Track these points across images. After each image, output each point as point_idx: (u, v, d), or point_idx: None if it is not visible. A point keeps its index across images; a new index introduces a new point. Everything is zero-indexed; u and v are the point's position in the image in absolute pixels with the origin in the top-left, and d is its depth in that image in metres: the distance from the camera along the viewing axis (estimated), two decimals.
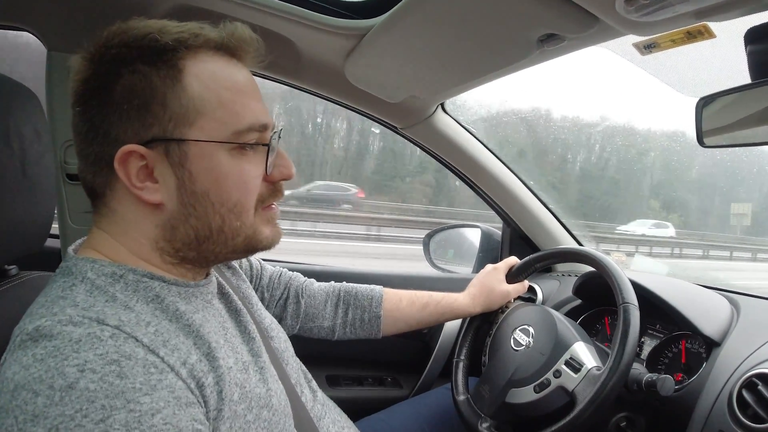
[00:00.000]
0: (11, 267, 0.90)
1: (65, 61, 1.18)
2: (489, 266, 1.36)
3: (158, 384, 0.56)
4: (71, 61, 0.68)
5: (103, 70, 0.66)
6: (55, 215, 1.24)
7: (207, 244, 0.71)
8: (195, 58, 0.68)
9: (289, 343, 0.96)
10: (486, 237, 1.98)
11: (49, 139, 0.86)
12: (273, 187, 0.76)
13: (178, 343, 0.63)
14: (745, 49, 0.82)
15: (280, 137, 0.77)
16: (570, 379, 1.03)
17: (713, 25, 0.85)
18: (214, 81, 0.68)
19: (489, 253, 1.94)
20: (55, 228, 1.09)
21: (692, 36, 0.88)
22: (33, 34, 1.20)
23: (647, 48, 0.96)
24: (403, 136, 1.65)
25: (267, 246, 0.77)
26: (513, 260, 1.36)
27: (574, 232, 1.81)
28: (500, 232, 1.95)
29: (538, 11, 0.89)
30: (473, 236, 2.02)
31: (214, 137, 0.68)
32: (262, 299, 1.15)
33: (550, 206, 1.78)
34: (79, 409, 0.51)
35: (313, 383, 0.98)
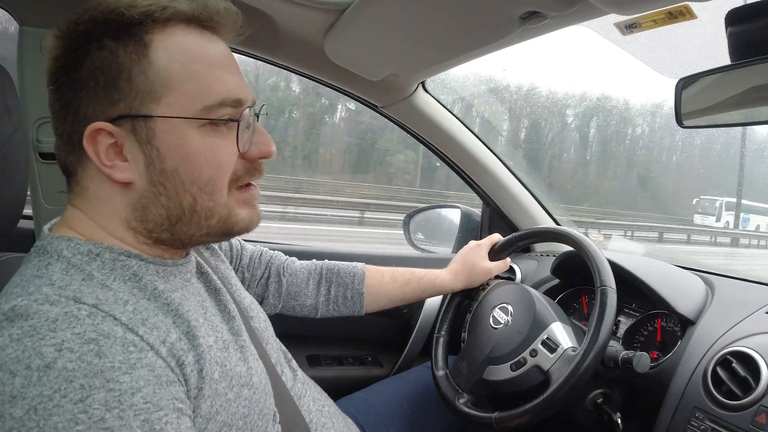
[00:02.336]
0: None
1: (38, 36, 1.15)
2: (472, 242, 1.36)
3: (138, 363, 0.56)
4: (45, 40, 0.67)
5: (72, 47, 0.65)
6: (28, 195, 1.21)
7: (180, 225, 0.70)
8: (164, 32, 0.66)
9: (269, 323, 0.95)
10: (466, 217, 1.98)
11: (20, 116, 0.84)
12: (250, 165, 0.74)
13: (157, 322, 0.62)
14: (725, 30, 0.82)
15: (258, 114, 0.75)
16: (546, 359, 1.05)
17: (694, 6, 0.85)
18: (184, 54, 0.66)
19: (469, 234, 1.95)
20: (28, 209, 1.06)
21: (674, 16, 0.88)
22: (4, 9, 1.15)
23: (628, 28, 0.96)
24: (383, 115, 1.64)
25: (243, 229, 0.75)
26: (496, 237, 1.37)
27: (552, 213, 1.82)
28: (480, 213, 1.96)
29: None
30: (453, 216, 2.03)
31: (182, 113, 0.66)
32: (243, 279, 1.15)
33: (529, 186, 1.79)
34: (58, 389, 0.50)
35: (293, 363, 0.98)
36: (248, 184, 0.75)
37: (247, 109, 0.71)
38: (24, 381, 0.50)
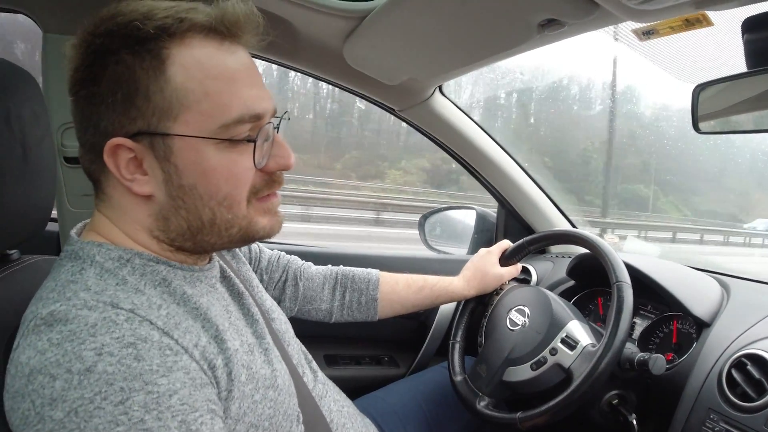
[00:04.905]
0: (13, 251, 0.90)
1: (61, 43, 1.17)
2: (483, 250, 1.37)
3: (174, 365, 0.58)
4: (64, 48, 0.67)
5: (90, 60, 0.64)
6: None
7: (201, 235, 0.71)
8: (181, 45, 0.64)
9: (289, 325, 0.97)
10: (481, 219, 1.99)
11: (47, 122, 0.86)
12: (269, 177, 0.73)
13: (188, 326, 0.64)
14: (742, 37, 0.82)
15: (278, 126, 0.75)
16: (566, 356, 1.06)
17: (711, 14, 0.86)
18: (200, 70, 0.65)
19: (484, 235, 1.96)
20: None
21: (690, 24, 0.89)
22: (28, 15, 1.18)
23: (646, 34, 0.97)
24: (400, 118, 1.65)
25: (264, 236, 0.75)
26: (506, 244, 1.38)
27: (568, 215, 1.83)
28: (495, 214, 1.97)
29: None
30: (468, 218, 2.03)
31: (199, 132, 0.65)
32: (261, 281, 1.16)
33: (545, 188, 1.80)
34: (99, 392, 0.52)
35: (314, 363, 0.99)
36: (267, 194, 0.75)
37: (267, 124, 0.71)
38: (65, 384, 0.52)
